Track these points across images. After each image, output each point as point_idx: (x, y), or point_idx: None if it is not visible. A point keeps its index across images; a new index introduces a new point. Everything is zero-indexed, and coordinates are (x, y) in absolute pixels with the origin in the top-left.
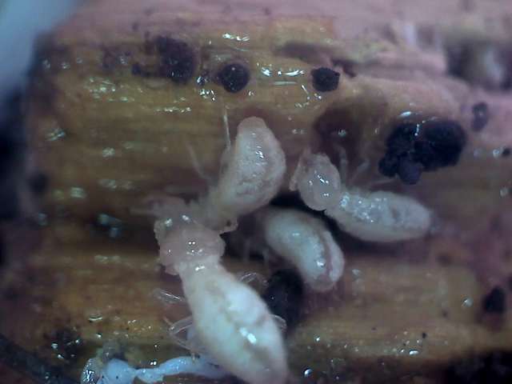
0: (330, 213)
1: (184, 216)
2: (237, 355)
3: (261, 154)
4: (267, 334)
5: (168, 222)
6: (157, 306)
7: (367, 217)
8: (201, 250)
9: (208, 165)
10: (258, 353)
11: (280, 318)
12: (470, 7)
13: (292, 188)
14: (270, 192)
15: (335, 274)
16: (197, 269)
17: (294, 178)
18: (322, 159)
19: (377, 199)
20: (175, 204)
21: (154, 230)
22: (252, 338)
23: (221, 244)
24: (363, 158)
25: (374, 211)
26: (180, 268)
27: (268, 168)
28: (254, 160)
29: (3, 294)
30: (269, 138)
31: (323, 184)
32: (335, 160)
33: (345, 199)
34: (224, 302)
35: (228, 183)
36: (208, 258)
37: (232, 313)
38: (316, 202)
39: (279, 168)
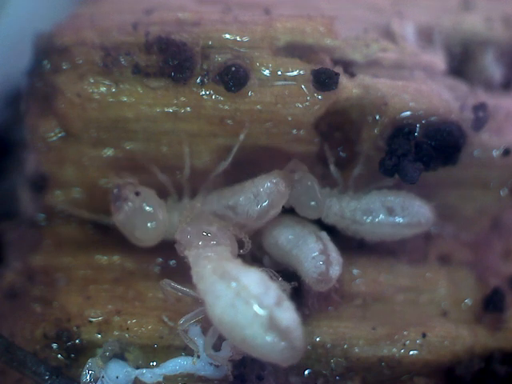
0: (326, 220)
1: (151, 209)
2: (261, 337)
3: (265, 203)
4: (287, 313)
5: (129, 207)
6: (157, 305)
7: (362, 217)
8: (213, 242)
9: (207, 165)
10: (281, 332)
11: (284, 282)
12: (470, 7)
13: (288, 207)
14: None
15: (335, 271)
16: (205, 255)
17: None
18: (298, 174)
19: (368, 198)
20: (148, 194)
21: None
22: (274, 319)
23: (234, 245)
24: (359, 161)
25: (367, 210)
26: (190, 253)
27: (258, 218)
28: (256, 202)
29: (3, 293)
30: (282, 199)
31: (305, 196)
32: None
33: (335, 204)
34: (239, 286)
35: (221, 195)
36: (218, 247)
37: (250, 296)
38: (308, 213)
39: (259, 222)
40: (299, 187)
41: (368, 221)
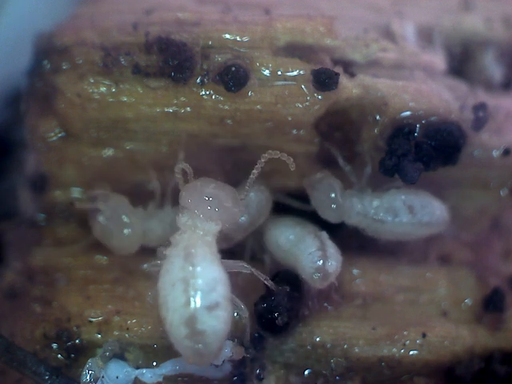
0: (348, 221)
1: (124, 216)
2: (175, 326)
3: (254, 212)
4: (212, 321)
5: (103, 218)
6: (157, 305)
7: (384, 215)
8: (209, 210)
9: (207, 165)
10: (195, 333)
11: (243, 308)
12: (470, 7)
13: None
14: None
15: (332, 266)
16: (192, 228)
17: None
18: (319, 177)
19: (390, 197)
20: (119, 202)
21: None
22: (195, 318)
23: (234, 215)
24: (366, 161)
25: (390, 209)
26: (181, 219)
27: (249, 227)
28: (246, 212)
29: (3, 293)
30: (268, 205)
31: (326, 200)
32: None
33: (357, 203)
34: (191, 273)
35: None
36: (209, 224)
37: (192, 287)
38: (329, 217)
39: (248, 231)
40: (320, 190)
41: (389, 219)
